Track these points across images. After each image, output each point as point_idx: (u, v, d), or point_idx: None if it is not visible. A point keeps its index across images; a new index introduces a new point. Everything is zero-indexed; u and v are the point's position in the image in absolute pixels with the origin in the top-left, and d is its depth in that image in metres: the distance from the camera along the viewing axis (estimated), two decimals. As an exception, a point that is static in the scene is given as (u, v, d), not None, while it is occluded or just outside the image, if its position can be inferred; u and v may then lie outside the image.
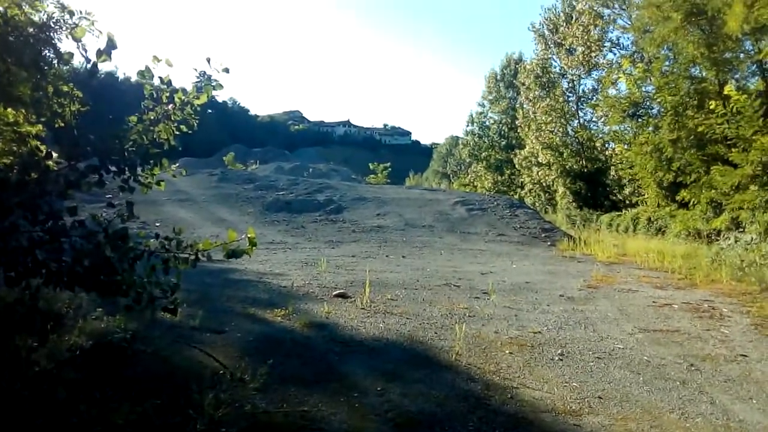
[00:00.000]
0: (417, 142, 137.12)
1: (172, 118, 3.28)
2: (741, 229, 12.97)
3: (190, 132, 3.32)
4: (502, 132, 47.70)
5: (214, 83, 3.47)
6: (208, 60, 3.42)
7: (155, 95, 3.33)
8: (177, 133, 3.32)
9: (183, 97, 3.33)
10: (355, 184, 29.68)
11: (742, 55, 17.36)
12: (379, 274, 9.00)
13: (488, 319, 6.28)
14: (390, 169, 39.49)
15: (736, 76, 17.96)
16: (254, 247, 2.96)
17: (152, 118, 3.24)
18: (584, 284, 8.91)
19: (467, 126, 52.75)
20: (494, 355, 4.91)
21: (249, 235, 2.96)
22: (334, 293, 7.22)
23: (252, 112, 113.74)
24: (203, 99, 3.36)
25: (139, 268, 3.10)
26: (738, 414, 3.78)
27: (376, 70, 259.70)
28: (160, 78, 3.33)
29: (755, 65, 16.98)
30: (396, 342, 5.23)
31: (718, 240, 13.58)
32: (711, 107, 14.95)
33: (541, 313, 6.69)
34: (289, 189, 22.08)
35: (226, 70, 3.45)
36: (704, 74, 18.27)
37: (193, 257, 3.00)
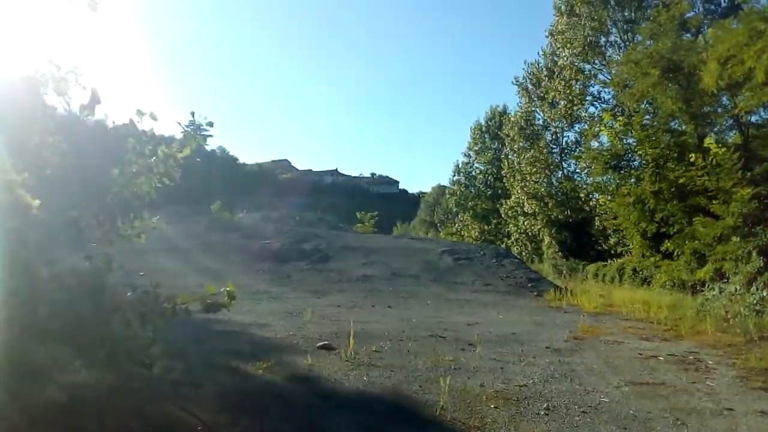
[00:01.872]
0: (404, 191, 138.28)
1: (155, 171, 3.30)
2: (725, 280, 13.06)
3: (172, 184, 3.33)
4: (488, 182, 48.39)
5: (198, 137, 3.51)
6: (192, 114, 3.47)
7: (138, 148, 3.35)
8: (159, 185, 3.32)
9: (166, 150, 3.36)
10: (342, 232, 29.68)
11: (719, 110, 17.92)
12: (364, 325, 8.90)
13: (474, 371, 6.20)
14: (377, 217, 39.58)
15: (715, 129, 18.46)
16: (233, 300, 2.94)
17: (134, 170, 3.26)
18: (570, 335, 8.87)
19: (453, 176, 53.47)
20: (479, 409, 4.82)
21: (228, 289, 2.94)
22: (318, 344, 7.11)
23: (240, 161, 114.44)
24: (186, 152, 3.39)
25: (117, 321, 3.06)
26: (725, 470, 3.72)
27: (365, 120, 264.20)
28: (144, 131, 3.37)
29: (732, 119, 17.48)
30: (380, 396, 5.14)
31: (702, 290, 13.64)
32: (691, 160, 15.31)
33: (527, 366, 6.62)
34: (275, 237, 22.02)
35: (210, 124, 3.51)
36: (683, 128, 18.77)
37: (170, 311, 2.96)
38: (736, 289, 11.52)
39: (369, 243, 22.64)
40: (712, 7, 26.19)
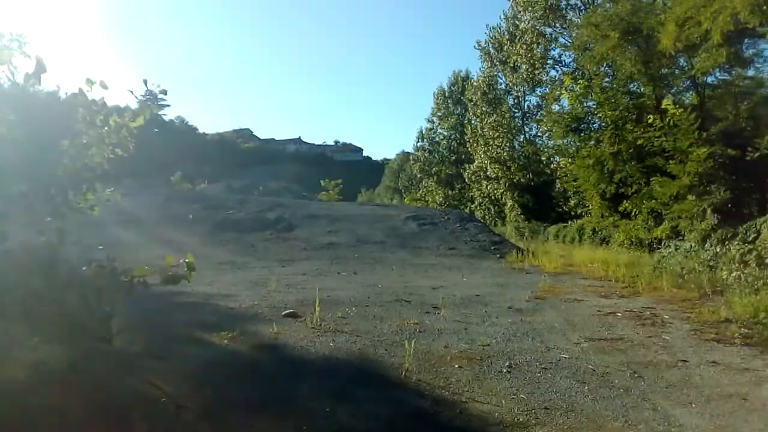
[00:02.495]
0: (368, 158, 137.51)
1: (107, 142, 3.19)
2: (681, 238, 13.50)
3: (125, 155, 3.23)
4: (452, 147, 48.49)
5: (152, 106, 3.40)
6: (145, 82, 3.36)
7: (88, 118, 3.23)
8: (112, 156, 3.22)
9: (118, 120, 3.25)
10: (307, 201, 29.53)
11: (677, 71, 18.22)
12: (330, 292, 8.94)
13: (438, 333, 6.32)
14: (342, 185, 39.53)
15: (672, 91, 18.80)
16: (193, 272, 2.90)
17: (85, 142, 3.14)
18: (532, 295, 9.08)
19: (417, 142, 53.37)
20: (444, 369, 4.93)
21: (187, 260, 2.90)
22: (284, 313, 7.12)
23: (200, 131, 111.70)
24: (139, 121, 3.28)
25: (73, 297, 2.99)
26: (678, 419, 3.89)
27: (327, 87, 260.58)
28: (94, 101, 3.24)
29: (689, 81, 17.79)
30: (346, 361, 5.20)
31: (659, 248, 14.10)
32: (649, 121, 15.63)
33: (490, 326, 6.77)
34: (238, 208, 21.77)
35: (165, 92, 3.40)
36: (642, 90, 19.07)
37: (127, 285, 2.91)
38: (691, 246, 11.94)
39: (334, 211, 22.59)
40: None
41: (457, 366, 5.03)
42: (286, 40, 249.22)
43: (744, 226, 10.72)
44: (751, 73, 16.42)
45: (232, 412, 3.83)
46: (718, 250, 10.69)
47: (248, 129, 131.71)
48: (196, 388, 4.12)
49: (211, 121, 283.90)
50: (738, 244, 10.19)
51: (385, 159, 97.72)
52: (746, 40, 15.00)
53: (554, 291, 9.62)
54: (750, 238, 10.08)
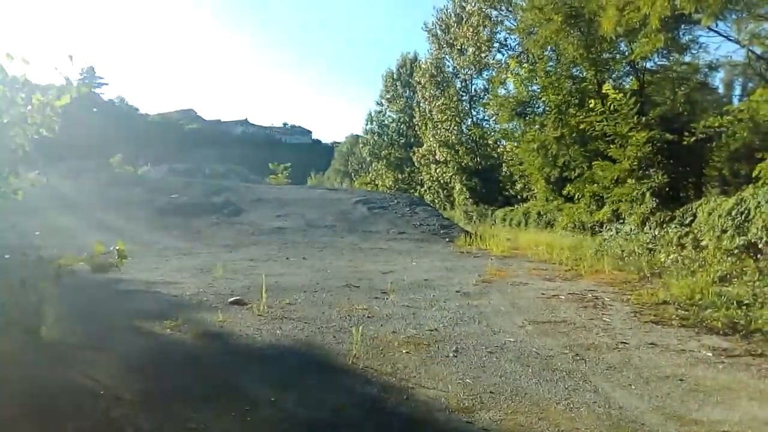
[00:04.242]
0: (318, 141, 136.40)
1: (30, 122, 2.97)
2: (621, 221, 13.95)
3: (51, 135, 3.02)
4: (401, 130, 48.61)
5: (82, 85, 3.20)
6: (71, 57, 3.14)
7: (9, 96, 3.00)
8: (36, 137, 3.00)
9: (42, 98, 3.03)
10: (255, 184, 28.99)
11: (617, 56, 18.73)
12: (278, 278, 8.81)
13: (387, 319, 6.31)
14: (291, 168, 38.94)
15: (613, 75, 19.35)
16: (124, 259, 2.75)
17: (5, 121, 2.92)
18: (479, 279, 9.20)
19: (367, 125, 53.30)
20: (391, 355, 4.92)
21: (118, 248, 2.75)
22: (230, 300, 6.96)
23: (142, 111, 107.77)
24: (65, 100, 3.07)
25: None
26: (618, 401, 4.00)
27: (274, 68, 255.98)
28: (15, 78, 3.01)
29: (629, 65, 18.33)
30: (292, 348, 5.12)
31: (601, 231, 14.54)
32: (591, 106, 16.01)
33: (437, 310, 6.81)
34: (183, 192, 21.16)
35: (92, 69, 3.20)
36: (584, 74, 19.51)
37: (54, 274, 2.74)
38: (631, 229, 12.35)
39: (282, 195, 22.29)
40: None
41: (404, 351, 5.03)
42: (232, 17, 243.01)
43: (681, 209, 11.15)
44: (687, 59, 17.08)
45: (173, 403, 3.70)
46: (656, 233, 11.09)
47: (192, 110, 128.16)
48: (136, 379, 3.97)
49: (153, 102, 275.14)
50: (675, 227, 10.60)
51: (335, 142, 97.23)
52: (683, 27, 15.50)
53: (501, 274, 9.78)
54: (687, 221, 10.49)
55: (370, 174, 50.92)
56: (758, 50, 14.62)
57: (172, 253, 12.16)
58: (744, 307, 6.34)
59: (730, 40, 14.59)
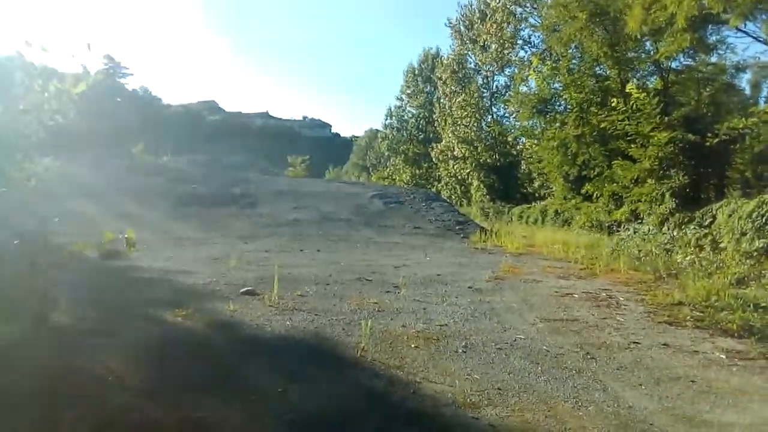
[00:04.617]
0: (337, 135, 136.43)
1: (46, 108, 3.00)
2: (639, 221, 13.78)
3: (65, 122, 3.05)
4: (420, 126, 48.47)
5: (99, 73, 3.23)
6: (89, 45, 3.17)
7: (27, 83, 3.04)
8: (51, 123, 3.03)
9: (58, 85, 3.06)
10: (273, 177, 29.12)
11: (642, 55, 18.45)
12: (291, 270, 8.84)
13: (397, 313, 6.30)
14: (309, 162, 39.06)
15: (637, 74, 19.07)
16: (133, 247, 2.78)
17: (22, 108, 2.96)
18: (492, 276, 9.15)
19: (386, 119, 53.17)
20: (400, 349, 4.91)
21: (126, 236, 2.78)
22: (242, 290, 7.00)
23: (165, 102, 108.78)
24: (81, 87, 3.09)
25: (4, 273, 2.84)
26: (628, 400, 3.96)
27: (296, 62, 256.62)
28: (33, 65, 3.05)
29: (654, 65, 18.05)
30: (302, 340, 5.14)
31: (618, 231, 14.38)
32: (613, 104, 15.82)
33: (448, 306, 6.79)
34: (202, 182, 21.34)
35: (110, 57, 3.22)
36: (607, 73, 19.28)
37: (63, 260, 2.78)
38: (649, 229, 12.21)
39: (300, 187, 22.36)
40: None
41: (413, 346, 5.03)
42: (255, 11, 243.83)
43: (701, 210, 10.99)
44: (714, 59, 16.73)
45: (181, 391, 3.74)
46: (674, 233, 10.95)
47: (214, 101, 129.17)
48: (146, 366, 4.01)
49: (176, 93, 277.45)
50: (694, 228, 10.45)
51: (354, 136, 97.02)
52: (710, 27, 15.20)
53: (514, 271, 9.71)
54: (706, 223, 10.34)
55: (388, 169, 50.83)
56: (788, 52, 14.33)
57: (188, 243, 12.28)
58: (761, 310, 6.24)
59: (758, 41, 14.30)
